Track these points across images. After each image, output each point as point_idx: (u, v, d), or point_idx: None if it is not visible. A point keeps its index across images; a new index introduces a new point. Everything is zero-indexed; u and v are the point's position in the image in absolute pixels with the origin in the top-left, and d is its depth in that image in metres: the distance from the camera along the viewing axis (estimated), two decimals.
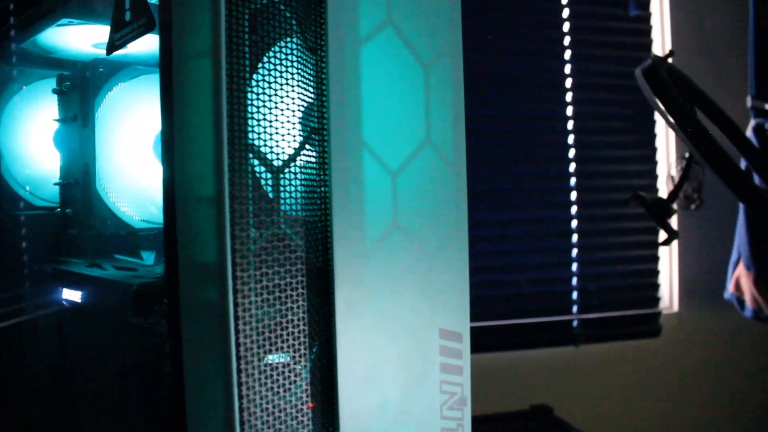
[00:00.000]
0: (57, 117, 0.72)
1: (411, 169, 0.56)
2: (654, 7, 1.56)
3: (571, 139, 1.48)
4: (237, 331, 0.43)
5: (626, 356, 1.57)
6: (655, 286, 1.57)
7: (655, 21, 1.56)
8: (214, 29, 0.42)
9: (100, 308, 0.67)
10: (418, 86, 0.58)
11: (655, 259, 1.58)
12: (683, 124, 0.92)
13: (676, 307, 1.61)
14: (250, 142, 0.44)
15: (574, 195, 1.48)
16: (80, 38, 0.73)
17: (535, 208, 1.48)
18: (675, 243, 1.62)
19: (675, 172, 1.56)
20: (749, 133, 1.38)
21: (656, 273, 1.57)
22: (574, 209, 1.48)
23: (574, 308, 1.49)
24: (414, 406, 0.57)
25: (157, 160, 0.68)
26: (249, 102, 0.44)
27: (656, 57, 1.07)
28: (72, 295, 0.73)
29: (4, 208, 0.80)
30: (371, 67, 0.52)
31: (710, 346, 1.66)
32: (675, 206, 1.08)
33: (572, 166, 1.48)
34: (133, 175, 0.70)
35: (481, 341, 1.46)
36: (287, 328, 0.47)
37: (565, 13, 1.48)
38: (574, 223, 1.49)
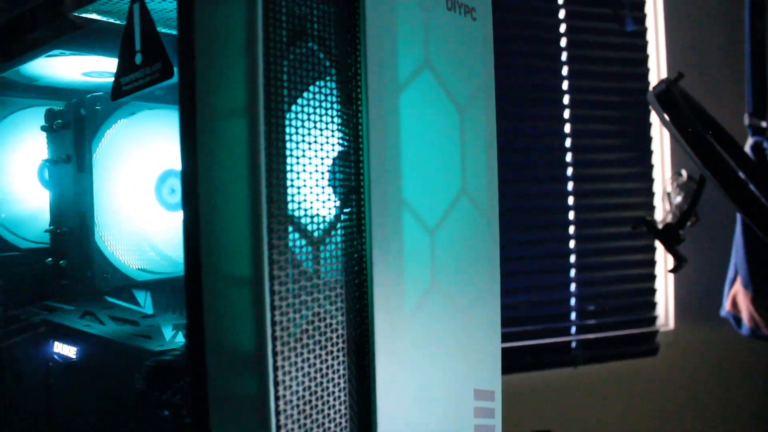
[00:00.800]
0: (46, 156, 0.66)
1: (448, 223, 0.52)
2: (650, 22, 1.54)
3: (568, 156, 1.45)
4: (278, 427, 0.38)
5: (625, 376, 1.56)
6: (652, 305, 1.56)
7: (650, 36, 1.54)
8: (250, 83, 0.37)
9: (99, 369, 0.61)
10: (455, 131, 0.53)
11: (652, 277, 1.57)
12: (696, 146, 0.91)
13: (672, 325, 1.59)
14: (291, 212, 0.39)
15: (571, 215, 1.46)
16: (69, 67, 0.67)
17: (531, 229, 1.45)
18: (669, 259, 1.60)
19: (671, 189, 1.54)
20: (747, 150, 1.36)
21: (653, 291, 1.56)
22: (571, 229, 1.45)
23: (573, 329, 1.47)
24: None
25: (159, 203, 0.63)
26: (288, 167, 0.39)
27: (669, 80, 1.04)
28: (65, 350, 0.67)
29: None
30: (409, 115, 0.48)
31: (707, 363, 1.65)
32: (683, 233, 1.06)
33: (569, 185, 1.45)
34: (131, 218, 0.65)
35: None
36: (328, 414, 0.42)
37: (562, 28, 1.45)
38: (572, 243, 1.46)
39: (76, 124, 0.60)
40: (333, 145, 0.42)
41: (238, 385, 0.39)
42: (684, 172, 1.53)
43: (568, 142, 1.45)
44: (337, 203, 0.43)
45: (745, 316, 1.39)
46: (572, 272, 1.46)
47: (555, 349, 1.46)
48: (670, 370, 1.59)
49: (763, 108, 1.38)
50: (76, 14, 0.53)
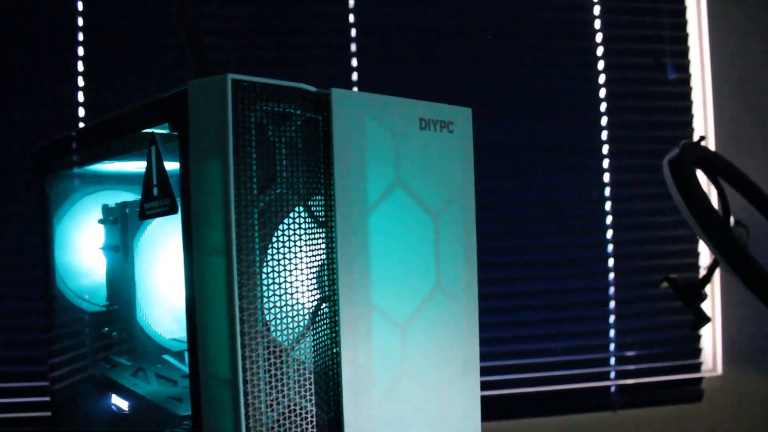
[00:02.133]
0: (104, 242, 0.78)
1: (420, 318, 0.60)
2: (694, 68, 1.55)
3: (608, 206, 1.48)
4: None
5: (667, 421, 1.55)
6: (697, 350, 1.56)
7: (695, 82, 1.55)
8: (225, 230, 0.47)
9: (143, 422, 0.73)
10: (429, 235, 0.61)
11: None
12: (706, 225, 0.91)
13: (720, 371, 1.58)
14: (261, 330, 0.48)
15: (611, 262, 1.49)
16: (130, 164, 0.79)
17: (571, 278, 1.49)
18: (718, 303, 1.59)
19: None
20: None
21: (698, 336, 1.55)
22: (611, 276, 1.49)
23: (612, 374, 1.49)
24: None
25: None
26: (259, 294, 0.48)
27: (686, 144, 1.06)
28: (120, 403, 0.79)
29: (60, 316, 0.87)
30: (379, 231, 0.56)
31: (756, 410, 1.61)
32: (706, 291, 1.07)
33: (609, 233, 1.48)
34: (166, 298, 0.76)
35: (513, 408, 1.47)
36: None
37: (602, 78, 1.49)
38: (611, 290, 1.49)
39: (122, 221, 0.73)
40: (302, 268, 0.52)
41: None
42: (732, 219, 1.52)
43: (607, 191, 1.48)
44: (310, 312, 0.52)
45: None
46: (611, 318, 1.49)
47: (593, 393, 1.49)
48: (716, 418, 1.57)
49: None
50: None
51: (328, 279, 0.54)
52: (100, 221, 0.77)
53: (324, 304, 0.53)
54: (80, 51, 1.35)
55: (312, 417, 0.52)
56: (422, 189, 0.61)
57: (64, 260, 0.88)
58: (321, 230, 0.53)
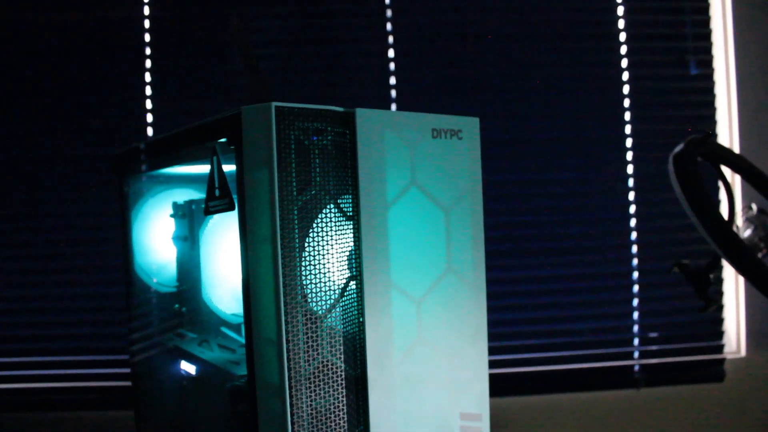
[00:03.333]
0: (174, 233, 0.93)
1: (434, 294, 0.72)
2: (718, 63, 1.61)
3: (632, 196, 1.57)
4: (293, 428, 0.61)
5: (688, 400, 1.63)
6: (720, 332, 1.63)
7: (719, 76, 1.62)
8: (272, 223, 0.60)
9: (207, 384, 0.88)
10: (440, 226, 0.73)
11: (721, 304, 1.64)
12: (702, 219, 0.99)
13: (743, 353, 1.65)
14: (300, 301, 0.62)
15: (635, 248, 1.58)
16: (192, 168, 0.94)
17: (597, 264, 1.59)
18: (741, 286, 1.66)
19: (740, 222, 1.60)
20: None
21: (722, 317, 1.63)
22: (635, 261, 1.58)
23: (635, 353, 1.59)
24: None
25: None
26: (298, 273, 0.62)
27: (691, 140, 1.13)
28: (189, 368, 0.94)
29: (137, 295, 1.03)
30: (397, 223, 0.69)
31: None
32: (712, 277, 1.16)
33: (633, 221, 1.58)
34: (227, 279, 0.90)
35: (543, 384, 1.58)
36: (331, 422, 0.64)
37: (626, 76, 1.58)
38: (635, 275, 1.59)
39: (189, 215, 0.87)
40: (333, 252, 0.65)
41: (271, 405, 0.62)
42: (754, 206, 1.59)
43: (631, 182, 1.57)
44: (339, 288, 0.65)
45: None
46: (635, 301, 1.59)
47: (618, 371, 1.59)
48: (738, 398, 1.64)
49: None
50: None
51: (354, 262, 0.66)
52: (171, 215, 0.92)
53: (351, 282, 0.66)
54: (148, 63, 1.51)
55: (342, 372, 0.65)
56: (434, 187, 0.73)
57: (139, 249, 1.03)
58: (348, 222, 0.66)
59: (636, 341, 1.59)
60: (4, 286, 1.54)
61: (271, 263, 0.60)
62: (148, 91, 1.50)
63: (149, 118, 1.51)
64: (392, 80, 1.54)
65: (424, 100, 1.58)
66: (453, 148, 0.75)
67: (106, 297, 1.52)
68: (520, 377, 1.58)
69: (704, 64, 1.61)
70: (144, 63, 1.51)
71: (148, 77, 1.51)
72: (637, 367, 1.59)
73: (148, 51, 1.51)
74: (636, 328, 1.59)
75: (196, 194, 0.98)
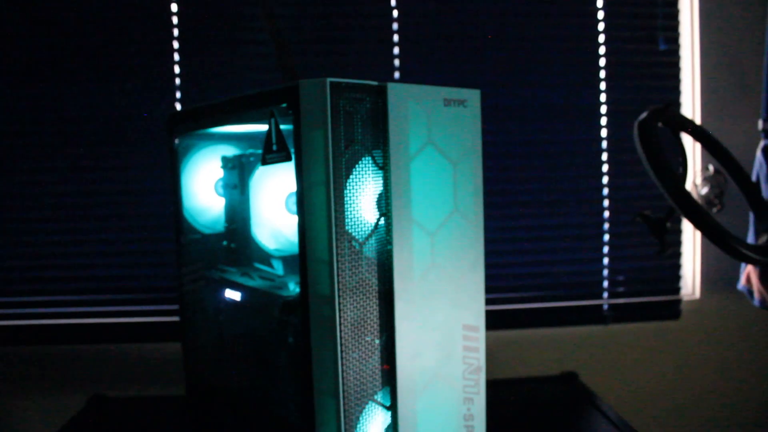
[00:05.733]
0: (223, 181, 1.12)
1: (444, 229, 0.91)
2: (684, 41, 1.81)
3: (605, 156, 1.78)
4: (341, 329, 0.81)
5: (649, 334, 1.85)
6: (678, 276, 1.86)
7: (685, 53, 1.81)
8: (325, 170, 0.79)
9: (254, 305, 1.06)
10: (449, 176, 0.92)
11: (678, 252, 1.87)
12: (660, 177, 1.18)
13: (697, 295, 1.87)
14: (348, 229, 0.81)
15: (606, 202, 1.80)
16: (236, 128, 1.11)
17: (572, 215, 1.80)
18: (697, 238, 1.88)
19: (699, 181, 1.81)
20: (758, 153, 1.62)
21: (679, 264, 1.86)
22: (606, 214, 1.80)
23: (605, 294, 1.81)
24: (445, 371, 0.92)
25: (287, 211, 1.06)
26: (346, 209, 0.81)
27: (653, 108, 1.32)
28: (233, 295, 1.12)
29: (186, 234, 1.21)
30: (417, 172, 0.87)
31: (724, 328, 1.89)
32: (669, 225, 1.37)
33: (605, 179, 1.79)
34: (271, 220, 1.09)
35: (523, 319, 1.81)
36: (367, 328, 0.84)
37: (602, 50, 1.77)
38: (606, 225, 1.80)
39: (239, 166, 1.06)
40: (369, 193, 0.83)
41: (323, 311, 0.81)
42: (711, 167, 1.80)
43: (604, 144, 1.78)
44: (376, 222, 0.84)
45: (755, 289, 1.66)
46: (605, 249, 1.81)
47: (589, 309, 1.81)
48: (691, 333, 1.87)
49: None
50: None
51: (384, 202, 0.85)
52: (222, 167, 1.10)
53: (382, 218, 0.85)
54: (175, 32, 1.67)
55: (375, 287, 0.85)
56: (445, 145, 0.91)
57: (187, 196, 1.21)
58: (380, 171, 0.85)
59: (605, 283, 1.82)
60: (69, 231, 1.74)
61: (324, 201, 0.79)
62: (176, 57, 1.67)
63: (177, 81, 1.68)
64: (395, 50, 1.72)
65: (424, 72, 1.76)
66: (460, 115, 0.93)
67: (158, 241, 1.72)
68: (502, 314, 1.79)
69: (671, 41, 1.80)
70: (172, 32, 1.68)
71: (176, 44, 1.68)
72: (606, 306, 1.82)
73: (175, 20, 1.67)
74: (605, 272, 1.82)
75: (238, 150, 1.16)
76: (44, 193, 1.74)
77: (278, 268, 1.13)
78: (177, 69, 1.68)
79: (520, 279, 1.79)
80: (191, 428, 1.23)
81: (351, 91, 0.80)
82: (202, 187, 1.21)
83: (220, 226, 1.20)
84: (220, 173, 1.16)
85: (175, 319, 1.74)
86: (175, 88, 1.69)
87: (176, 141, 1.17)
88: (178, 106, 1.72)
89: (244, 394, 1.09)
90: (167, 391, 1.55)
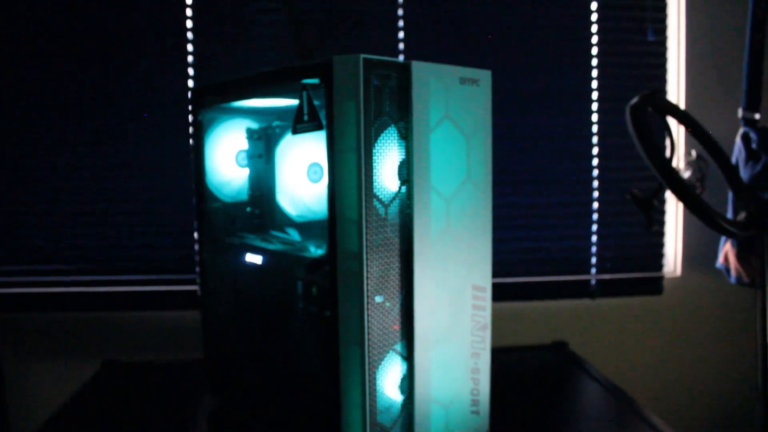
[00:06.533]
0: (248, 152, 1.19)
1: (458, 196, 1.00)
2: (671, 32, 1.91)
3: (595, 140, 1.88)
4: (367, 283, 0.89)
5: (634, 309, 1.97)
6: (661, 254, 1.97)
7: (672, 44, 1.92)
8: (357, 138, 0.87)
9: (277, 268, 1.14)
10: (462, 148, 1.01)
11: (662, 232, 1.98)
12: (651, 158, 1.28)
13: (679, 272, 1.99)
14: (375, 192, 0.89)
15: (596, 183, 1.90)
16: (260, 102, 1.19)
17: (562, 194, 1.91)
18: (680, 219, 1.99)
19: (682, 165, 1.91)
20: (737, 140, 1.72)
21: (662, 243, 1.97)
22: (595, 194, 1.90)
23: (593, 270, 1.92)
24: (456, 327, 1.01)
25: (308, 179, 1.13)
26: (374, 173, 0.89)
27: (644, 94, 1.41)
28: (254, 259, 1.19)
29: (208, 202, 1.28)
30: (435, 143, 0.96)
31: (704, 304, 2.01)
32: (656, 202, 1.46)
33: (595, 161, 1.89)
34: (293, 187, 1.16)
35: (517, 293, 1.91)
36: (389, 283, 0.93)
37: (595, 39, 1.86)
38: (595, 205, 1.91)
39: (265, 137, 1.14)
40: (393, 161, 0.92)
41: (350, 266, 0.90)
42: (694, 152, 1.90)
43: (594, 129, 1.88)
44: (398, 187, 0.93)
45: (732, 267, 1.77)
46: (594, 227, 1.92)
47: (577, 284, 1.92)
48: (672, 307, 1.99)
49: (754, 103, 1.73)
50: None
51: (406, 170, 0.94)
52: (247, 138, 1.18)
53: (404, 184, 0.94)
54: (189, 12, 1.74)
55: (397, 246, 0.93)
56: (460, 120, 1.00)
57: (210, 167, 1.28)
58: (403, 141, 0.93)
59: (593, 260, 1.93)
60: (86, 202, 1.82)
61: (355, 166, 0.87)
62: (190, 36, 1.74)
63: (190, 59, 1.75)
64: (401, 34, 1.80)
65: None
66: (473, 93, 1.02)
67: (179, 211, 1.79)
68: (496, 287, 1.88)
69: (659, 32, 1.91)
70: (185, 11, 1.74)
71: (189, 24, 1.74)
72: (593, 281, 1.93)
73: (189, 1, 1.74)
74: (594, 249, 1.92)
75: (257, 123, 1.23)
76: (62, 165, 1.81)
77: (294, 234, 1.21)
78: (190, 47, 1.74)
79: (513, 254, 1.89)
80: (211, 389, 1.29)
81: (380, 67, 0.89)
82: (223, 158, 1.28)
83: (240, 195, 1.27)
84: (242, 145, 1.23)
85: (188, 288, 1.83)
86: (187, 66, 1.76)
87: (200, 114, 1.23)
88: (191, 83, 1.79)
89: (264, 354, 1.16)
90: (180, 357, 1.62)
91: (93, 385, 1.44)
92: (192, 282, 1.88)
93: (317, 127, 0.94)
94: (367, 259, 0.88)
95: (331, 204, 0.90)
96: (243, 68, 1.75)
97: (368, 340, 0.90)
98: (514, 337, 1.85)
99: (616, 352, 1.97)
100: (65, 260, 1.85)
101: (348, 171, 0.88)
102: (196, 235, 1.87)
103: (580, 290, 1.92)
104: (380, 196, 0.89)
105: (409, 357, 0.95)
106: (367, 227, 0.88)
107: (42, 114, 1.82)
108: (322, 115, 0.92)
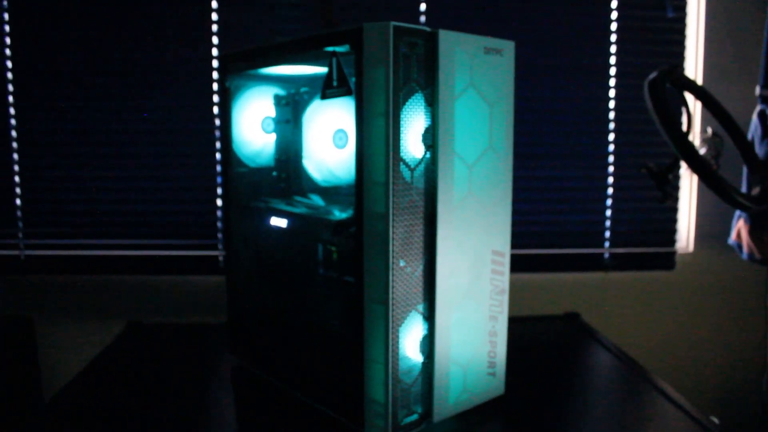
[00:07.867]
0: (275, 118, 1.23)
1: (480, 163, 1.03)
2: (691, 8, 1.92)
3: (611, 115, 1.90)
4: (393, 245, 0.93)
5: (645, 283, 1.99)
6: (674, 230, 1.99)
7: (691, 21, 1.92)
8: (386, 102, 0.90)
9: (302, 231, 1.17)
10: (485, 116, 1.03)
11: (675, 208, 2.01)
12: (669, 132, 1.30)
13: (691, 248, 2.01)
14: (402, 156, 0.92)
15: (611, 158, 1.92)
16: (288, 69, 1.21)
17: (578, 168, 1.93)
18: (694, 195, 2.01)
19: (698, 143, 1.93)
20: (754, 117, 1.74)
21: (676, 219, 1.99)
22: (611, 169, 1.93)
23: (606, 243, 1.95)
24: (475, 290, 1.05)
25: (333, 145, 1.16)
26: (401, 138, 0.92)
27: (662, 69, 1.43)
28: (279, 222, 1.22)
29: (233, 167, 1.31)
30: (460, 110, 0.99)
31: (715, 280, 2.03)
32: (671, 176, 1.49)
33: (611, 136, 1.91)
34: (319, 152, 1.19)
35: (532, 264, 1.94)
36: (413, 245, 0.96)
37: (614, 15, 1.87)
38: (610, 180, 1.93)
39: (293, 102, 1.17)
40: (419, 126, 0.95)
41: (377, 227, 0.93)
42: (709, 130, 1.92)
43: (612, 104, 1.89)
44: (423, 152, 0.96)
45: (744, 244, 1.79)
46: (609, 201, 1.94)
47: (591, 257, 1.95)
48: (684, 282, 2.02)
49: None
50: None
51: (431, 136, 0.97)
52: (275, 104, 1.21)
53: (429, 149, 0.97)
54: None
55: (421, 210, 0.96)
56: (484, 88, 1.02)
57: (238, 132, 1.31)
58: (429, 107, 0.96)
59: (607, 233, 1.96)
60: (113, 167, 1.88)
61: (383, 130, 0.90)
62: (214, 4, 1.76)
63: (214, 28, 1.78)
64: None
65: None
66: (497, 62, 1.05)
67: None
68: (511, 258, 1.92)
69: (679, 8, 1.91)
70: None
71: None
72: (606, 255, 1.96)
73: None
74: (608, 222, 1.95)
75: (283, 90, 1.26)
76: (90, 130, 1.87)
77: (316, 200, 1.24)
78: (215, 16, 1.77)
79: (528, 226, 1.92)
80: (233, 349, 1.34)
81: (409, 35, 0.91)
82: (249, 124, 1.31)
83: (265, 160, 1.30)
84: (267, 111, 1.27)
85: (211, 253, 1.87)
86: (212, 34, 1.79)
87: (228, 80, 1.26)
88: (215, 52, 1.82)
89: (287, 313, 1.20)
90: (203, 321, 1.66)
91: (118, 345, 1.48)
92: (214, 247, 1.92)
93: (346, 93, 0.97)
94: (393, 220, 0.92)
95: (359, 167, 0.93)
96: (267, 37, 1.78)
97: (392, 298, 0.93)
98: (528, 308, 1.89)
99: (627, 325, 2.00)
100: (93, 224, 1.90)
101: (376, 135, 0.91)
102: (219, 201, 1.92)
103: (594, 263, 1.96)
104: (407, 161, 0.92)
105: (430, 317, 0.98)
106: (393, 190, 0.91)
107: (71, 81, 1.86)
108: (351, 81, 0.95)
